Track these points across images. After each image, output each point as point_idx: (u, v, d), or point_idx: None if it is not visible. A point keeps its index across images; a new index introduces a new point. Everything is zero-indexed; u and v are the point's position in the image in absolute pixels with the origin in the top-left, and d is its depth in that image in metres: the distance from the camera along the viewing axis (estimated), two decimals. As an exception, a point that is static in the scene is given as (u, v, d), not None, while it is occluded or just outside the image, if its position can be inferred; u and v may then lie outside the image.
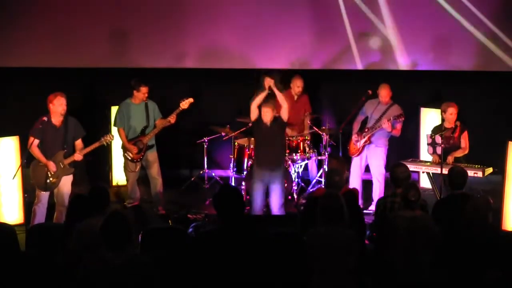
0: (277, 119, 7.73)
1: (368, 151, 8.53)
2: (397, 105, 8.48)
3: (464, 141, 8.05)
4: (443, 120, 8.23)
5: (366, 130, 8.48)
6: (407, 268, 5.35)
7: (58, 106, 7.43)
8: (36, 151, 7.47)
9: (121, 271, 4.26)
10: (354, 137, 8.58)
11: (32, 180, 7.64)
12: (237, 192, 4.87)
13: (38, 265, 5.10)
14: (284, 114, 7.72)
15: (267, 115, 7.65)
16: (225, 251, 4.69)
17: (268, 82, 7.66)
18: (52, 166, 7.48)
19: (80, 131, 7.68)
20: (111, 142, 7.89)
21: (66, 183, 7.63)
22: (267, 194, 7.85)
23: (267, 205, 7.94)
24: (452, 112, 8.03)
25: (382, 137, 8.47)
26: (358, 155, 8.55)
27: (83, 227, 5.20)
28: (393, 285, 5.42)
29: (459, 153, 8.03)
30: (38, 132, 7.41)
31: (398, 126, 8.36)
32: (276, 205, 7.74)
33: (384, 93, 8.45)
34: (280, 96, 7.71)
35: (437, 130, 8.11)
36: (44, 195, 7.64)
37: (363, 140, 8.45)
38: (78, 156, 7.56)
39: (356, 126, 8.68)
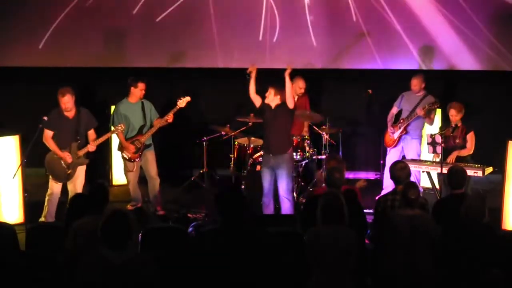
0: (283, 104, 7.71)
1: (404, 142, 8.69)
2: (431, 95, 8.64)
3: (469, 142, 8.00)
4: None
5: (401, 121, 8.64)
6: (406, 267, 5.35)
7: (61, 105, 7.66)
8: (51, 143, 7.67)
9: (121, 270, 4.25)
10: (390, 129, 8.71)
11: (48, 171, 7.80)
12: (239, 191, 4.87)
13: (38, 264, 5.10)
14: (289, 102, 7.66)
15: (269, 97, 7.72)
16: (225, 250, 4.68)
17: (251, 68, 7.80)
18: (67, 157, 7.64)
19: (92, 121, 7.90)
20: (122, 131, 8.05)
21: (80, 174, 7.85)
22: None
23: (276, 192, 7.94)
24: (452, 113, 8.02)
25: (417, 128, 8.67)
26: (394, 146, 8.71)
27: (78, 226, 5.21)
28: (393, 284, 5.41)
29: (462, 153, 7.98)
30: (51, 124, 7.60)
31: (432, 115, 8.59)
32: (283, 190, 7.74)
33: (415, 82, 8.63)
34: (288, 85, 7.65)
35: (442, 129, 8.11)
36: (57, 187, 7.82)
37: (398, 131, 8.61)
38: (91, 147, 7.77)
39: (390, 119, 8.83)
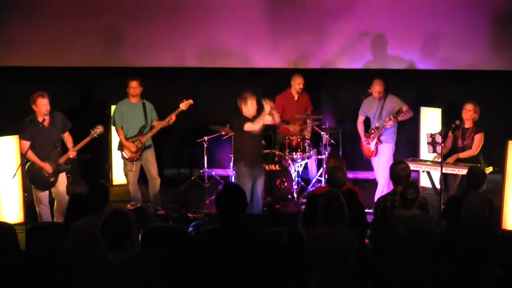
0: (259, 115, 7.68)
1: (380, 148, 8.54)
2: (392, 95, 8.45)
3: (475, 143, 7.81)
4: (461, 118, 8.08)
5: (373, 131, 8.46)
6: (406, 266, 5.35)
7: (41, 107, 7.42)
8: (30, 154, 7.46)
9: (121, 270, 4.25)
10: (364, 140, 8.56)
11: (30, 182, 7.65)
12: (240, 191, 4.85)
13: (38, 264, 5.09)
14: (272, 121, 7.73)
15: (251, 108, 7.59)
16: (225, 250, 4.68)
17: (268, 104, 7.49)
18: (48, 167, 7.51)
19: (67, 123, 7.68)
20: (102, 134, 7.78)
21: (62, 180, 7.69)
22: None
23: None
24: (468, 108, 7.82)
25: (389, 133, 8.49)
26: (375, 156, 8.54)
27: (77, 227, 5.21)
28: (393, 284, 5.41)
29: (465, 154, 7.83)
30: (27, 135, 7.42)
31: (406, 108, 8.32)
32: (260, 195, 7.81)
33: (379, 88, 8.40)
34: (277, 117, 7.67)
35: (449, 128, 7.94)
36: (44, 196, 7.68)
37: (373, 143, 8.44)
38: (72, 153, 7.59)
39: (360, 128, 8.67)
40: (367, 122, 8.67)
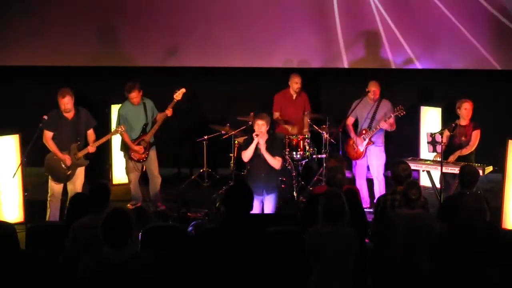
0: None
1: (369, 151, 8.51)
2: (386, 100, 8.47)
3: (472, 139, 7.94)
4: (457, 117, 8.14)
5: (364, 132, 8.45)
6: (406, 266, 5.35)
7: (60, 105, 7.63)
8: (51, 144, 7.65)
9: (122, 269, 4.25)
10: (356, 139, 8.53)
11: (47, 172, 7.78)
12: (250, 191, 4.85)
13: (38, 264, 5.09)
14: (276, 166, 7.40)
15: (263, 128, 7.30)
16: (225, 249, 4.68)
17: (255, 135, 7.29)
18: (67, 159, 7.62)
19: (92, 121, 7.89)
20: (123, 133, 8.10)
21: (79, 174, 7.84)
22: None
23: None
24: (466, 107, 7.95)
25: (380, 136, 8.50)
26: (362, 157, 8.52)
27: (78, 226, 5.21)
28: (393, 283, 5.41)
29: (464, 151, 7.92)
30: (50, 125, 7.57)
31: (392, 121, 8.38)
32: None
33: (375, 89, 8.42)
34: (269, 157, 7.30)
35: (449, 127, 7.98)
36: (57, 188, 7.79)
37: (365, 143, 8.42)
38: (91, 148, 7.76)
39: (351, 129, 8.65)
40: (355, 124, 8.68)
